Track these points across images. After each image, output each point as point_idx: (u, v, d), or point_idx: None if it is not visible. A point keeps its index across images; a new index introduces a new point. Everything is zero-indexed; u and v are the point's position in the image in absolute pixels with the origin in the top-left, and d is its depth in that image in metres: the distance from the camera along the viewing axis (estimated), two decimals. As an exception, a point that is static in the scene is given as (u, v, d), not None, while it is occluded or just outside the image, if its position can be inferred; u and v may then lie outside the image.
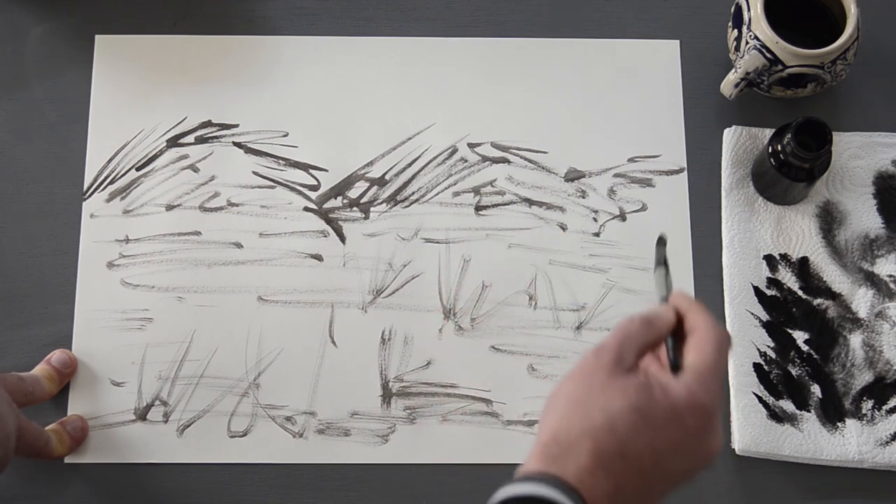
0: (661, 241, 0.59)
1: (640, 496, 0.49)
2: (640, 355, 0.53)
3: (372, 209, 0.80)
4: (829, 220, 0.79)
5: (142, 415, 0.75)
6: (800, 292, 0.77)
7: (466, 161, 0.81)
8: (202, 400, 0.76)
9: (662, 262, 0.58)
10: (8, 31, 0.84)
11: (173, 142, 0.81)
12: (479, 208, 0.80)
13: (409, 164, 0.81)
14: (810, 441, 0.74)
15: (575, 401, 0.50)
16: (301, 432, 0.75)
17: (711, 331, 0.53)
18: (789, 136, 0.73)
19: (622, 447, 0.48)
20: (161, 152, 0.81)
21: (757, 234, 0.79)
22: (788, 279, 0.78)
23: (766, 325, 0.77)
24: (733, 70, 0.77)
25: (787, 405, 0.75)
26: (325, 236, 0.79)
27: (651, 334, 0.53)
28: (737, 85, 0.77)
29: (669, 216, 0.80)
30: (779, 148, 0.75)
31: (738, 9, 0.78)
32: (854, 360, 0.76)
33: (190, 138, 0.81)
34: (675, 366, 0.53)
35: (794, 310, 0.77)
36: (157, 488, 0.74)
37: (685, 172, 0.81)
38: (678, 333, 0.54)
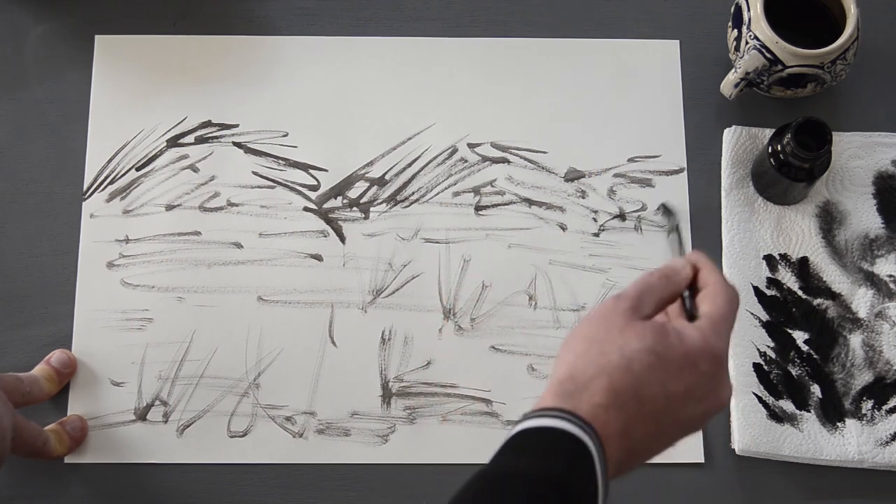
0: (669, 210, 0.62)
1: (650, 441, 0.50)
2: (657, 309, 0.54)
3: (372, 209, 0.80)
4: (829, 220, 0.79)
5: (142, 415, 0.75)
6: (800, 292, 0.77)
7: (466, 161, 0.81)
8: (202, 400, 0.76)
9: (675, 228, 0.62)
10: (8, 31, 0.84)
11: (173, 142, 0.81)
12: (479, 208, 0.80)
13: (409, 164, 0.81)
14: (810, 441, 0.74)
15: (592, 340, 0.51)
16: (301, 432, 0.75)
17: (723, 284, 0.54)
18: (789, 136, 0.73)
19: (637, 387, 0.49)
20: (161, 152, 0.81)
21: (757, 234, 0.79)
22: (788, 279, 0.78)
23: (766, 325, 0.77)
24: (733, 70, 0.77)
25: (787, 405, 0.75)
26: (325, 236, 0.79)
27: (670, 288, 0.54)
28: (737, 85, 0.77)
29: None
30: (779, 148, 0.75)
31: (738, 9, 0.78)
32: (854, 360, 0.76)
33: (190, 138, 0.81)
34: (691, 316, 0.54)
35: (794, 310, 0.77)
36: (157, 488, 0.74)
37: (685, 172, 0.81)
38: (691, 287, 0.56)
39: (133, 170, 0.81)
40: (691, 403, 0.50)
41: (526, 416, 0.49)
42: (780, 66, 0.75)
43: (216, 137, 0.81)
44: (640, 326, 0.51)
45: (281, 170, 0.81)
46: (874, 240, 0.79)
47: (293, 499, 0.74)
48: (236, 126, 0.82)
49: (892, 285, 0.77)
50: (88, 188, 0.80)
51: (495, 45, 0.84)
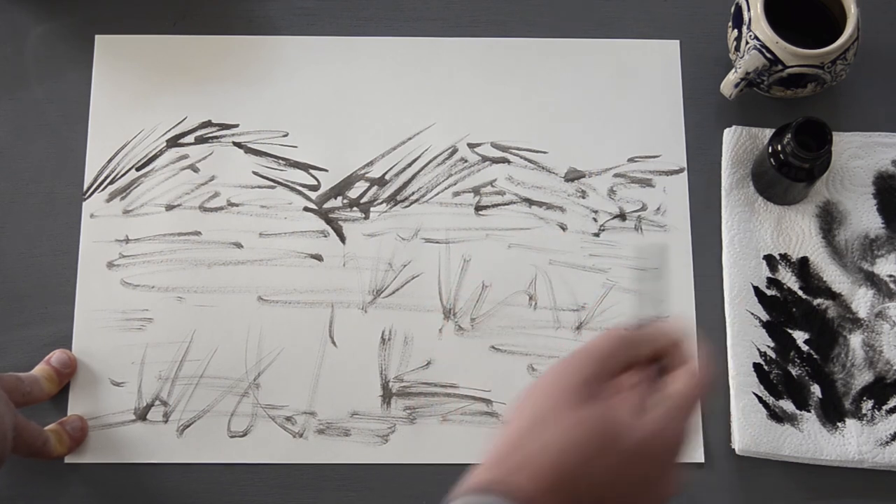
0: (657, 255, 0.61)
1: None
2: (623, 370, 0.52)
3: (372, 209, 0.80)
4: (829, 220, 0.79)
5: (142, 415, 0.75)
6: (800, 292, 0.77)
7: (466, 161, 0.81)
8: (202, 400, 0.76)
9: (660, 274, 0.60)
10: (8, 31, 0.84)
11: (173, 142, 0.81)
12: (479, 208, 0.80)
13: (409, 164, 0.81)
14: (810, 441, 0.74)
15: (543, 413, 0.49)
16: (301, 432, 0.75)
17: (693, 369, 0.52)
18: (789, 136, 0.73)
19: (581, 472, 0.47)
20: (161, 152, 0.81)
21: (757, 234, 0.79)
22: (788, 279, 0.78)
23: (766, 325, 0.77)
24: (733, 70, 0.77)
25: (787, 405, 0.75)
26: (325, 236, 0.79)
27: (639, 352, 0.52)
28: (737, 85, 0.77)
29: (669, 216, 0.80)
30: (779, 148, 0.75)
31: (738, 9, 0.78)
32: (854, 360, 0.76)
33: (190, 138, 0.81)
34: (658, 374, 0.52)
35: (794, 310, 0.77)
36: (157, 488, 0.74)
37: (685, 172, 0.81)
38: (662, 357, 0.53)
39: (133, 170, 0.81)
40: (639, 491, 0.49)
41: (462, 489, 0.47)
42: (780, 66, 0.75)
43: (216, 137, 0.81)
44: (592, 408, 0.49)
45: (281, 170, 0.81)
46: (874, 240, 0.79)
47: (293, 499, 0.74)
48: (236, 126, 0.82)
49: (892, 285, 0.77)
50: (88, 188, 0.80)
51: (495, 45, 0.84)
